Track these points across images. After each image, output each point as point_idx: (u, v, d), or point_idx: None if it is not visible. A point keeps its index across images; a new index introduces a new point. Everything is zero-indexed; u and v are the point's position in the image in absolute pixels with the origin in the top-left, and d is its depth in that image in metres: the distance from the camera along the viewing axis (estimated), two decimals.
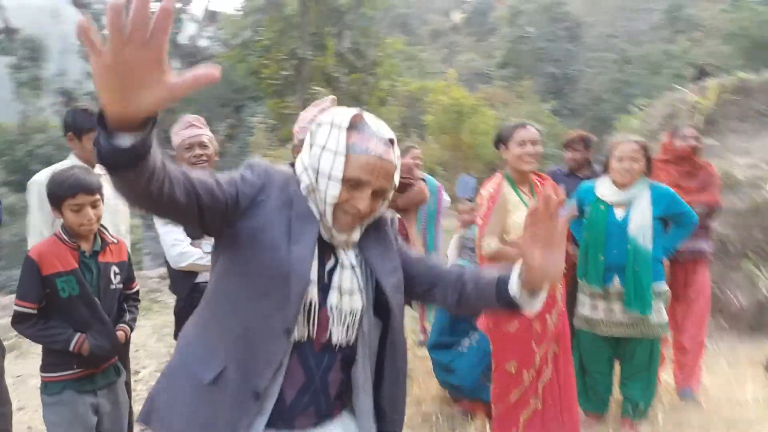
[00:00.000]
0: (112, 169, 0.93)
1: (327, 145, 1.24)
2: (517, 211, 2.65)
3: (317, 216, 1.28)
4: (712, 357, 4.18)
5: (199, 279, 2.49)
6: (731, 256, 5.01)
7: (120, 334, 2.17)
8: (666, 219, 3.03)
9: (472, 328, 3.21)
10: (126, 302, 2.29)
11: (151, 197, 1.01)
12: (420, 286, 1.41)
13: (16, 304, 2.06)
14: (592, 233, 2.99)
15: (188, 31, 14.03)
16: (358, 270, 1.32)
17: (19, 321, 2.05)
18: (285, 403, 1.25)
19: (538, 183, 2.81)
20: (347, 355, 1.31)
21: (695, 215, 3.03)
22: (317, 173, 1.25)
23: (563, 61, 37.82)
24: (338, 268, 1.30)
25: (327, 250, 1.29)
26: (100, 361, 2.13)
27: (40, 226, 2.47)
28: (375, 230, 1.39)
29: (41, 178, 2.47)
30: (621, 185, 2.98)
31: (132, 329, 2.26)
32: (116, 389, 2.22)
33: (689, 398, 3.36)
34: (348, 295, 1.29)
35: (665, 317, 2.96)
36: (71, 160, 2.59)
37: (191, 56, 13.07)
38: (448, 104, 15.34)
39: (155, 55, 0.81)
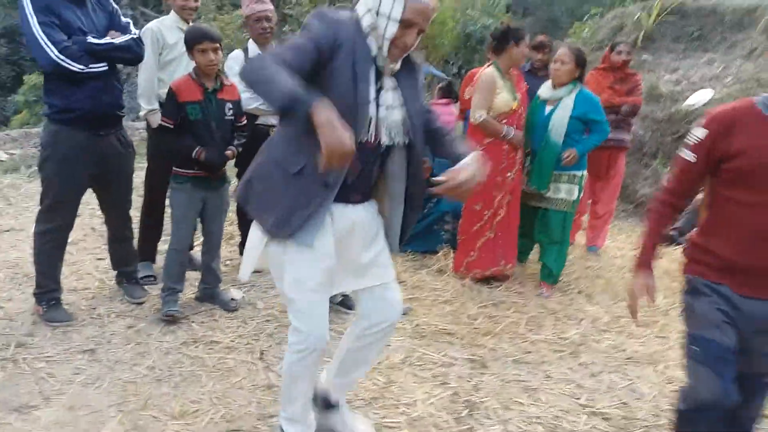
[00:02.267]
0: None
1: None
2: (501, 93, 3.55)
3: (374, 51, 1.71)
4: (616, 231, 5.41)
5: (259, 121, 3.40)
6: (645, 156, 6.16)
7: (228, 152, 2.99)
8: (585, 122, 3.58)
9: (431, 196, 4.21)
10: (235, 131, 3.06)
11: None
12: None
13: (162, 120, 2.92)
14: (528, 123, 3.72)
15: None
16: (397, 91, 1.79)
17: (162, 133, 2.96)
18: (346, 183, 1.76)
19: (515, 76, 3.70)
20: (385, 154, 1.83)
21: (607, 128, 3.61)
22: (377, 14, 1.67)
23: None
24: (383, 89, 1.76)
25: (377, 75, 1.75)
26: (213, 169, 2.97)
27: (152, 66, 3.33)
28: (408, 68, 1.83)
29: (153, 26, 3.37)
30: (555, 85, 3.62)
31: (239, 151, 3.05)
32: (221, 192, 3.11)
33: (594, 252, 4.54)
34: (391, 109, 1.78)
35: (574, 196, 3.62)
36: (171, 17, 3.49)
37: None
38: None
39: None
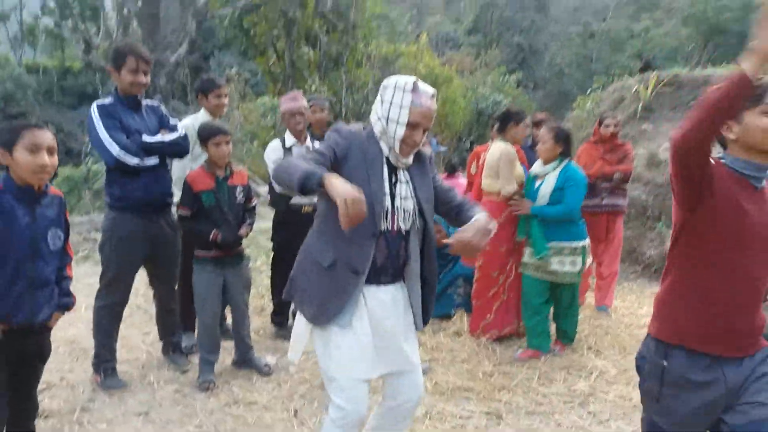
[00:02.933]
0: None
1: (393, 101, 1.96)
2: (517, 164, 4.02)
3: (386, 152, 2.01)
4: (626, 292, 5.65)
5: (293, 201, 3.84)
6: (648, 219, 6.47)
7: (241, 231, 3.36)
8: None
9: (449, 261, 4.58)
10: (246, 212, 3.46)
11: None
12: (438, 202, 2.17)
13: (179, 209, 3.31)
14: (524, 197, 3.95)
15: None
16: (409, 184, 2.06)
17: (181, 221, 3.31)
18: (377, 265, 2.01)
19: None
20: (407, 237, 2.07)
21: (573, 205, 3.73)
22: (387, 121, 1.98)
23: (529, 32, 38.62)
24: (398, 182, 2.04)
25: (392, 171, 2.04)
26: (229, 248, 3.34)
27: (185, 159, 3.68)
28: (418, 160, 2.11)
29: (188, 122, 3.79)
30: (543, 162, 3.88)
31: (251, 230, 3.44)
32: (240, 268, 3.45)
33: (604, 311, 4.80)
34: (405, 200, 2.04)
35: (578, 267, 3.78)
36: (202, 113, 3.91)
37: None
38: (423, 74, 16.29)
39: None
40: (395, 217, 2.02)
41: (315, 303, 2.02)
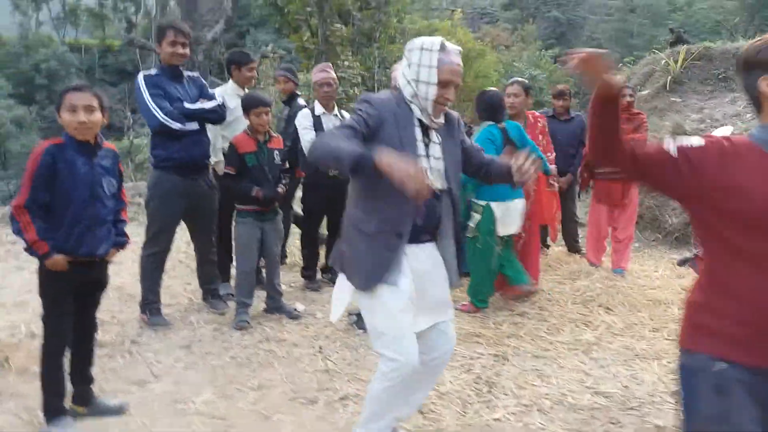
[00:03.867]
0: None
1: (422, 62, 2.00)
2: None
3: (417, 113, 2.04)
4: (645, 258, 5.80)
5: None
6: None
7: (279, 189, 3.71)
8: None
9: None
10: (282, 173, 3.80)
11: None
12: (468, 162, 2.28)
13: (226, 169, 3.65)
14: None
15: None
16: (440, 145, 2.13)
17: (226, 179, 3.67)
18: (417, 225, 2.07)
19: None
20: (440, 197, 2.11)
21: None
22: (417, 83, 2.02)
23: (568, 6, 37.82)
24: (431, 143, 2.10)
25: (425, 133, 2.09)
26: (268, 204, 3.69)
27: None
28: (447, 122, 2.15)
29: (216, 93, 4.01)
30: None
31: (286, 189, 3.79)
32: (276, 222, 3.82)
33: (619, 274, 4.97)
34: (437, 160, 2.11)
35: (472, 222, 3.90)
36: (231, 85, 4.19)
37: None
38: None
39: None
40: (432, 175, 2.07)
41: (363, 271, 2.09)
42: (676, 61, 8.19)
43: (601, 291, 4.54)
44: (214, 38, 16.83)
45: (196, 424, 2.57)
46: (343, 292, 2.21)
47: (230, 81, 4.27)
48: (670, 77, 8.15)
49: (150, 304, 3.70)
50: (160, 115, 3.51)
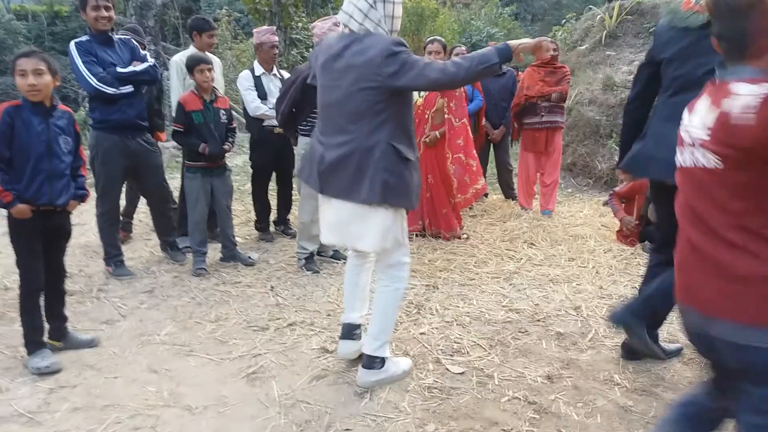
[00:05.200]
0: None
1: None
2: None
3: None
4: (575, 201, 6.33)
5: (265, 123, 4.43)
6: (601, 137, 7.07)
7: (225, 146, 4.02)
8: None
9: None
10: (228, 131, 4.11)
11: None
12: None
13: (174, 125, 3.92)
14: None
15: None
16: None
17: (175, 135, 3.93)
18: None
19: None
20: None
21: None
22: (393, 18, 2.39)
23: None
24: None
25: None
26: (215, 159, 4.01)
27: (178, 89, 4.30)
28: None
29: (177, 58, 4.36)
30: None
31: (231, 147, 4.10)
32: (224, 178, 4.14)
33: (547, 215, 5.48)
34: None
35: None
36: (191, 49, 4.46)
37: None
38: (409, 6, 16.44)
39: None
40: None
41: (415, 194, 2.43)
42: (611, 17, 8.62)
43: (527, 229, 5.04)
44: (164, 2, 16.54)
45: (161, 351, 2.96)
46: (386, 220, 2.41)
47: (191, 46, 4.52)
48: (605, 32, 8.59)
49: (113, 257, 4.02)
50: (93, 81, 3.71)
